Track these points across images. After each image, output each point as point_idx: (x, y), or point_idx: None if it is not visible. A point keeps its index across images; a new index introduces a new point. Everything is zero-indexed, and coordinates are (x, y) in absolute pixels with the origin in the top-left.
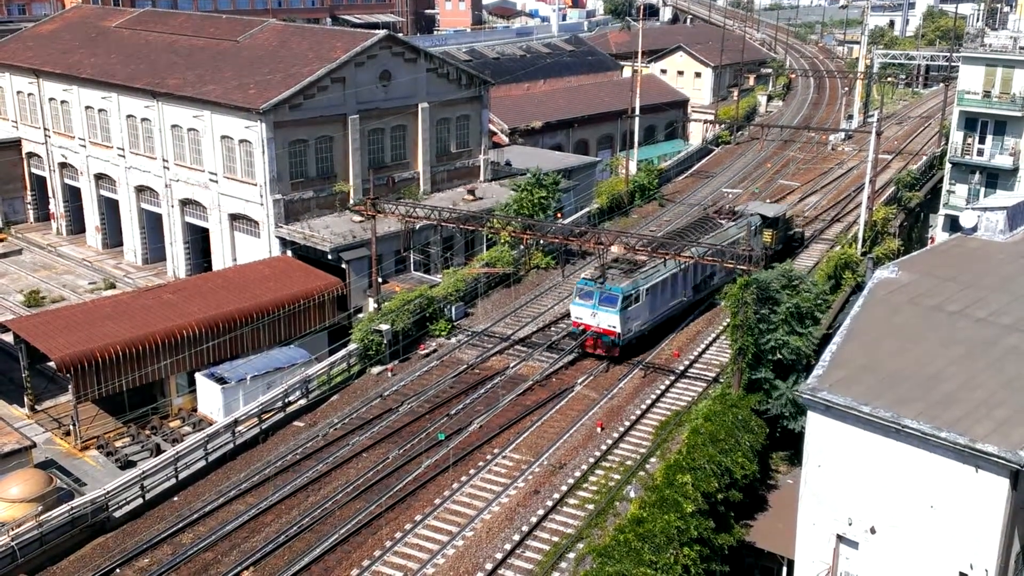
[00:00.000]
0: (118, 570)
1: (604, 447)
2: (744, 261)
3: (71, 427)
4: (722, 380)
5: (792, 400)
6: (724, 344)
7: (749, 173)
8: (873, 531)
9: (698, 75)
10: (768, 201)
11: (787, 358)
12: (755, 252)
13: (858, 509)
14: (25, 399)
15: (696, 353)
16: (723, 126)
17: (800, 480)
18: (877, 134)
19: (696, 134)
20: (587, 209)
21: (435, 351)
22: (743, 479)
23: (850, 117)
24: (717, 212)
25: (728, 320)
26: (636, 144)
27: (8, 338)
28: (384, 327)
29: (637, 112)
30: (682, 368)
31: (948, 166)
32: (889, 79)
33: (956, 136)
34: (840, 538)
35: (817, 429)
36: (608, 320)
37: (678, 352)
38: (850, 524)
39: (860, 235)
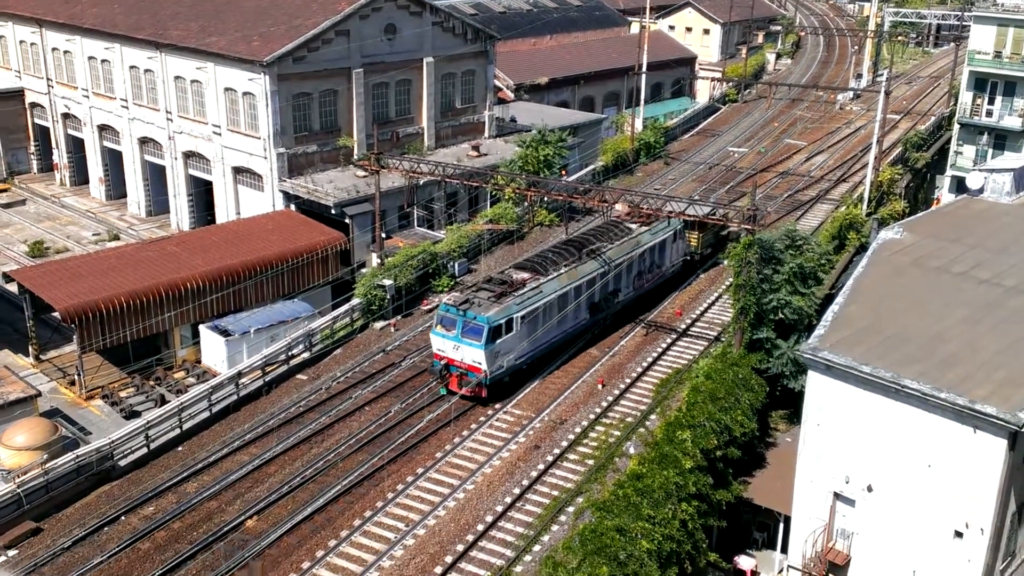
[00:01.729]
0: (123, 517)
1: (605, 404)
2: (748, 221)
3: (76, 377)
4: (723, 339)
5: (793, 359)
6: (726, 303)
7: (756, 132)
8: (870, 489)
9: (706, 32)
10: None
11: (789, 318)
12: (665, 264)
13: (856, 468)
14: (30, 348)
15: (698, 312)
16: (731, 84)
17: (799, 438)
18: (886, 94)
19: (703, 92)
20: (592, 167)
21: (438, 307)
22: (742, 437)
23: (859, 76)
24: (628, 214)
25: (731, 279)
26: (642, 101)
27: (13, 288)
28: (387, 282)
29: (644, 69)
30: (684, 327)
31: (956, 127)
32: (899, 38)
33: (965, 97)
34: (837, 496)
35: (817, 388)
36: (472, 355)
37: (680, 311)
38: (847, 482)
39: (866, 195)
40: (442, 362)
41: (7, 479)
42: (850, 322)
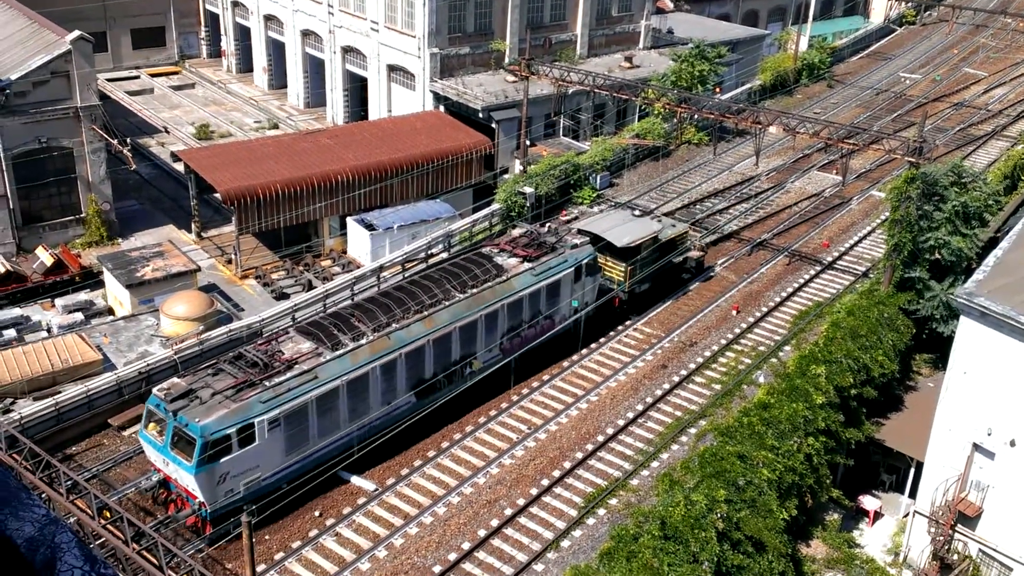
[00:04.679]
0: None
1: (738, 330)
2: (914, 153)
3: (232, 256)
4: (871, 275)
5: (945, 303)
6: (878, 238)
7: (932, 58)
8: (1013, 444)
9: None
10: (636, 214)
11: (946, 259)
12: (560, 312)
13: (1000, 420)
14: (192, 226)
15: (847, 245)
16: (910, 4)
17: (942, 385)
18: None
19: (879, 11)
20: (748, 85)
21: (576, 218)
22: (880, 377)
23: None
24: (512, 242)
25: (887, 214)
26: (810, 18)
27: (180, 167)
28: (528, 190)
29: None
30: (830, 259)
31: None
32: None
33: None
34: (976, 447)
35: (968, 335)
36: (183, 478)
37: (827, 243)
38: (989, 434)
39: None
40: (159, 474)
41: (166, 345)
42: (1013, 269)
